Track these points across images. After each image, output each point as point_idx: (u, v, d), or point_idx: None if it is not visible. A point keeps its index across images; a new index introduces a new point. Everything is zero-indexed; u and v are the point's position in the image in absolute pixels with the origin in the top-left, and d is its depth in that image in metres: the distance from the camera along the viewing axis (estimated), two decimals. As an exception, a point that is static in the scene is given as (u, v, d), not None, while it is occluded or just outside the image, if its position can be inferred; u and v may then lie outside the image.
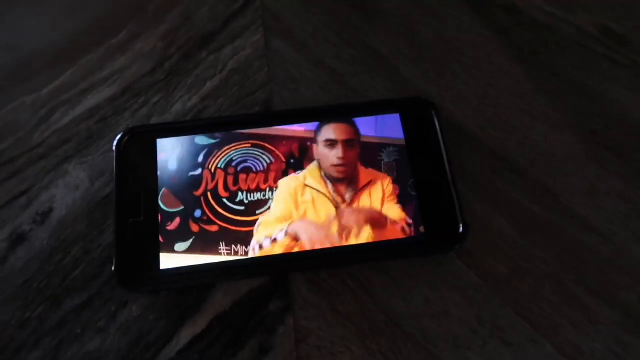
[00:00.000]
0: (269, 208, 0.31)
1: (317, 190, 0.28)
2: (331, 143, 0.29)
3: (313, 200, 0.28)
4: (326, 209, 0.29)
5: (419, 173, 0.33)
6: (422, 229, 0.31)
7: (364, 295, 0.31)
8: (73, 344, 0.30)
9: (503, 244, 0.32)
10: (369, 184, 0.29)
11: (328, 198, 0.28)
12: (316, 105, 0.36)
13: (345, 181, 0.29)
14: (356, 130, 0.30)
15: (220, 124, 0.34)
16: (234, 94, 0.37)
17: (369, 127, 0.33)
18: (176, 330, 0.30)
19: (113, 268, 0.30)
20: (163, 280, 0.30)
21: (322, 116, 0.34)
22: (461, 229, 0.31)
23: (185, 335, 0.30)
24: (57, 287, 0.31)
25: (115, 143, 0.33)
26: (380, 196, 0.29)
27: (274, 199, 0.31)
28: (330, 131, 0.31)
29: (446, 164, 0.33)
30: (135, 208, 0.31)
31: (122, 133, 0.33)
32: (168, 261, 0.30)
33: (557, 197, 0.33)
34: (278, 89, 0.37)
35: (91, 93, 0.37)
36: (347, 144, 0.29)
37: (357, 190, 0.29)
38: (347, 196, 0.29)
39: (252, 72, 0.37)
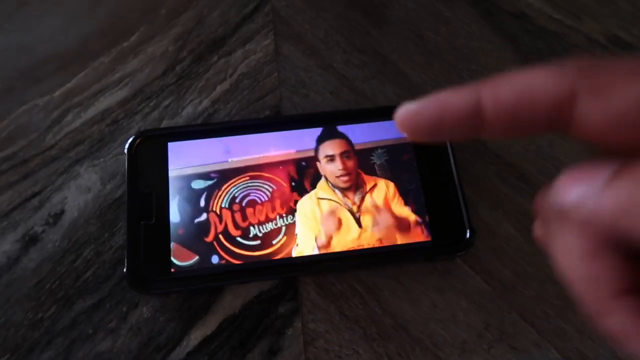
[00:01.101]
0: (294, 229, 0.31)
1: (330, 200, 0.30)
2: (331, 158, 0.31)
3: (330, 210, 0.30)
4: (342, 214, 0.31)
5: (426, 179, 0.33)
6: (429, 234, 0.32)
7: (371, 300, 0.31)
8: (84, 345, 0.30)
9: (509, 249, 0.32)
10: (373, 187, 0.31)
11: (340, 204, 0.30)
12: (325, 110, 0.36)
13: (352, 188, 0.31)
14: (349, 142, 0.32)
15: (230, 128, 0.34)
16: (244, 97, 0.37)
17: (370, 132, 0.34)
18: (186, 332, 0.31)
19: (124, 270, 0.30)
20: (174, 283, 0.31)
21: (331, 121, 0.34)
22: (468, 234, 0.31)
23: (195, 336, 0.30)
24: (69, 288, 0.32)
25: (126, 146, 0.33)
26: (383, 196, 0.31)
27: (297, 219, 0.31)
28: (327, 148, 0.33)
29: (453, 170, 0.33)
30: (146, 210, 0.32)
31: (133, 136, 0.34)
32: (178, 263, 0.31)
33: (564, 204, 0.33)
34: (288, 94, 0.37)
35: (103, 95, 0.37)
36: (344, 156, 0.31)
37: (364, 194, 0.31)
38: (356, 200, 0.31)
39: (262, 76, 0.38)
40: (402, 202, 0.31)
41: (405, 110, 0.16)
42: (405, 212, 0.31)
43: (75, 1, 0.40)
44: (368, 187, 0.31)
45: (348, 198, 0.31)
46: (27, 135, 0.36)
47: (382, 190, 0.30)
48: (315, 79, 0.38)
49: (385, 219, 0.31)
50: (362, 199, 0.31)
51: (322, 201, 0.31)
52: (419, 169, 0.33)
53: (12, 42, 0.39)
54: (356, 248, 0.31)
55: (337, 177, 0.31)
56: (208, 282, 0.31)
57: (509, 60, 0.38)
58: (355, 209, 0.31)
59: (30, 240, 0.33)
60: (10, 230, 0.33)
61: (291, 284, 0.32)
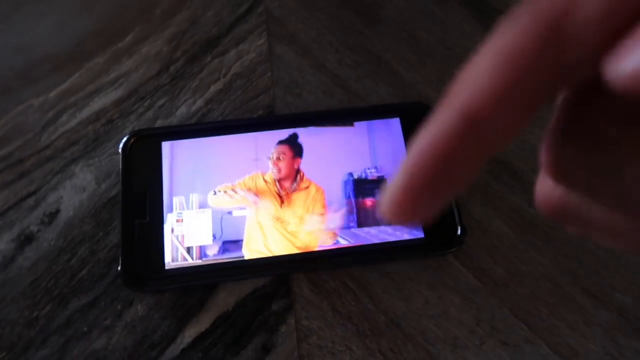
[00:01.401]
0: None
1: (267, 182, 0.34)
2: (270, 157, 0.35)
3: (267, 188, 0.34)
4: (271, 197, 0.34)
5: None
6: (421, 231, 0.32)
7: (364, 296, 0.32)
8: (80, 342, 0.30)
9: (501, 246, 0.33)
10: (305, 188, 0.34)
11: (271, 190, 0.34)
12: (318, 110, 0.36)
13: (284, 181, 0.34)
14: (290, 149, 0.35)
15: (223, 127, 0.35)
16: (237, 97, 0.37)
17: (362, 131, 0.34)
18: (180, 329, 0.31)
19: (119, 268, 0.31)
20: (168, 280, 0.31)
21: (324, 120, 0.35)
22: (459, 231, 0.32)
23: (190, 334, 0.31)
24: (64, 287, 0.32)
25: (121, 145, 0.34)
26: (309, 199, 0.34)
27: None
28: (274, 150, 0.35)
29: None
30: (140, 209, 0.32)
31: (128, 135, 0.34)
32: (173, 261, 0.31)
33: (555, 201, 0.34)
34: (281, 93, 0.37)
35: (98, 96, 0.37)
36: (279, 158, 0.35)
37: (293, 190, 0.34)
38: (283, 193, 0.34)
39: (255, 76, 0.38)
40: (323, 206, 0.33)
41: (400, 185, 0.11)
42: (320, 217, 0.33)
43: (71, 2, 0.41)
44: (299, 186, 0.34)
45: (282, 187, 0.34)
46: (22, 135, 0.36)
47: (310, 193, 0.34)
48: (309, 78, 0.38)
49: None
50: (290, 193, 0.34)
51: (263, 181, 0.34)
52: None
53: (8, 42, 0.39)
54: (349, 246, 0.32)
55: (272, 171, 0.34)
56: (201, 279, 0.31)
57: (501, 59, 0.38)
58: (283, 193, 0.34)
59: (26, 240, 0.33)
60: (5, 229, 0.33)
61: (284, 281, 0.32)
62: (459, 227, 0.32)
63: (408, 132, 0.34)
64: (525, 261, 0.32)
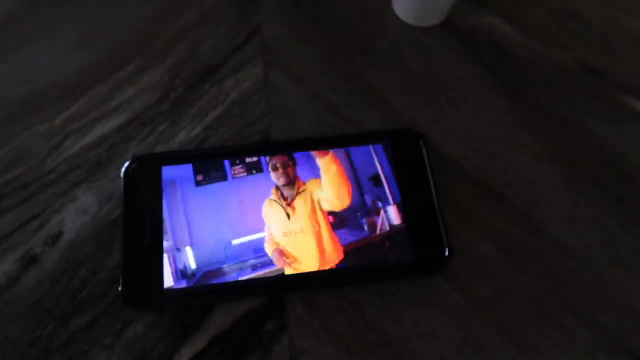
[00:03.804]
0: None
1: (275, 200, 0.35)
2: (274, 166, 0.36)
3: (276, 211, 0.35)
4: (279, 212, 0.35)
5: (407, 200, 0.35)
6: (410, 253, 0.33)
7: (355, 316, 0.33)
8: (80, 361, 0.32)
9: (487, 268, 0.34)
10: (303, 191, 0.35)
11: (278, 203, 0.35)
12: (311, 135, 0.38)
13: (286, 188, 0.35)
14: (287, 157, 0.36)
15: (221, 153, 0.36)
16: (234, 124, 0.39)
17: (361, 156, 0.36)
18: (178, 348, 0.32)
19: (119, 288, 0.32)
20: (166, 300, 0.32)
21: (317, 145, 0.36)
22: (447, 253, 0.33)
23: (187, 352, 0.32)
24: (66, 306, 0.33)
25: (122, 170, 0.35)
26: (308, 196, 0.35)
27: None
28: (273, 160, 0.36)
29: (433, 191, 0.35)
30: (140, 231, 0.33)
31: (129, 160, 0.35)
32: (171, 282, 0.32)
33: (537, 223, 0.35)
34: (276, 120, 0.39)
35: (100, 122, 0.39)
36: (285, 165, 0.36)
37: (292, 198, 0.35)
38: (285, 204, 0.35)
39: (252, 103, 0.40)
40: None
41: None
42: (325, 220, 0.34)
43: (75, 34, 0.43)
44: (300, 189, 0.35)
45: (284, 199, 0.35)
46: (27, 160, 0.37)
47: (304, 193, 0.35)
48: (303, 105, 0.39)
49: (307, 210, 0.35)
50: (292, 199, 0.35)
51: (272, 202, 0.35)
52: (400, 190, 0.35)
53: (15, 72, 0.41)
54: (341, 267, 0.33)
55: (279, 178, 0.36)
56: (199, 300, 0.32)
57: (485, 87, 0.40)
58: (285, 204, 0.35)
59: (30, 260, 0.34)
60: (10, 250, 0.34)
61: (278, 301, 0.33)
62: (447, 249, 0.33)
63: (398, 157, 0.36)
64: (510, 282, 0.34)
